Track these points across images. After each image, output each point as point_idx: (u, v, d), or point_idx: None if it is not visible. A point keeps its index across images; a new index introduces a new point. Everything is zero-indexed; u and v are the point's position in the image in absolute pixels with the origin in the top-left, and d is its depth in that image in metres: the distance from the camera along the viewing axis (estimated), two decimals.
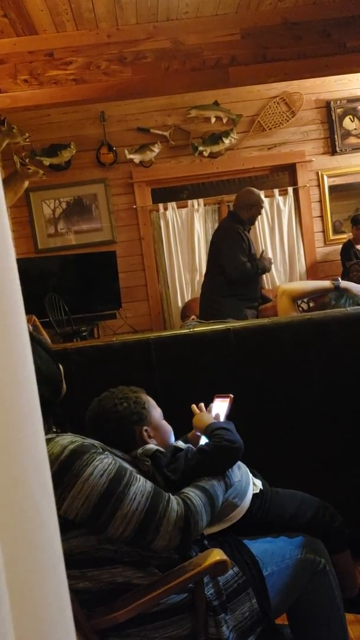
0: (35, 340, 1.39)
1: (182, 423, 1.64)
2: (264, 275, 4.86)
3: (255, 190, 4.29)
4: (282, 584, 1.41)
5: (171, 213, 5.74)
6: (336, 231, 5.92)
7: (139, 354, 2.10)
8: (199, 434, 1.59)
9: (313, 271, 5.86)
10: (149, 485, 1.25)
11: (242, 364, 2.10)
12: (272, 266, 5.68)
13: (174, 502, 1.25)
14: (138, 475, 1.26)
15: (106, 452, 1.28)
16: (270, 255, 4.35)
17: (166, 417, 1.62)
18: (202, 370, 2.09)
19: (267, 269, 4.22)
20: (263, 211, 5.77)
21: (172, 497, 1.26)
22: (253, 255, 4.20)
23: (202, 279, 4.52)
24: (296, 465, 2.13)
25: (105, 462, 1.22)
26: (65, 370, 1.61)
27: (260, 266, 4.13)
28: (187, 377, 2.08)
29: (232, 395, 1.64)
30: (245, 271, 4.04)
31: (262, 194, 4.26)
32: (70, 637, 0.59)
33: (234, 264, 4.03)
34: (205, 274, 4.39)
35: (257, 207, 4.20)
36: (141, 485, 1.24)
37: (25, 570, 0.55)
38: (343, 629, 1.51)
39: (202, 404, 1.66)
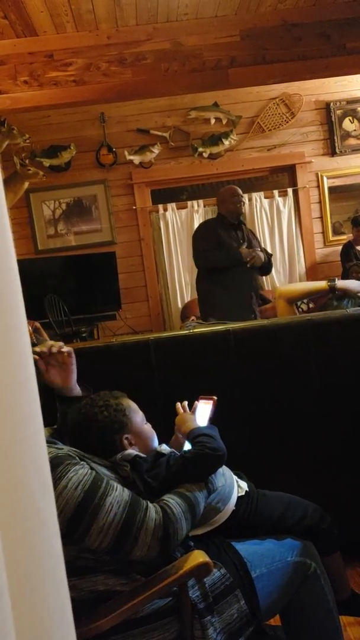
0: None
1: None
2: (262, 276, 4.81)
3: (229, 186, 4.35)
4: (273, 586, 1.40)
5: (171, 214, 5.75)
6: (336, 232, 5.92)
7: (138, 355, 2.10)
8: (180, 435, 1.58)
9: (313, 272, 5.86)
10: (126, 494, 1.24)
11: (242, 365, 2.10)
12: (273, 268, 5.70)
13: (152, 510, 1.23)
14: (115, 484, 1.25)
15: (82, 462, 1.26)
16: (257, 249, 4.18)
17: (165, 418, 1.61)
18: (202, 371, 2.09)
19: (241, 258, 4.01)
20: (262, 212, 5.79)
21: (150, 505, 1.25)
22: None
23: None
24: (295, 466, 2.13)
25: (80, 473, 1.21)
26: None
27: (232, 254, 4.01)
28: (187, 378, 2.08)
29: (215, 398, 1.62)
30: (208, 258, 4.05)
31: (238, 188, 4.20)
32: (70, 637, 0.59)
33: (196, 253, 4.14)
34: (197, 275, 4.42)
35: (230, 198, 4.17)
36: (118, 494, 1.22)
37: (26, 570, 0.55)
38: (337, 632, 1.50)
39: (186, 403, 1.64)
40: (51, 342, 1.57)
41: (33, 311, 4.16)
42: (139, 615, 1.22)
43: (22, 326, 0.56)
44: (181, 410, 1.62)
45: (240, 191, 4.20)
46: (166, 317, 5.85)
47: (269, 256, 4.24)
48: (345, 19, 4.12)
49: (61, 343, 1.59)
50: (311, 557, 1.49)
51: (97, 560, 1.21)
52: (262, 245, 4.40)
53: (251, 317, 3.97)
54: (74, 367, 1.60)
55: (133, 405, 1.51)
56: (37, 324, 3.66)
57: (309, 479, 2.11)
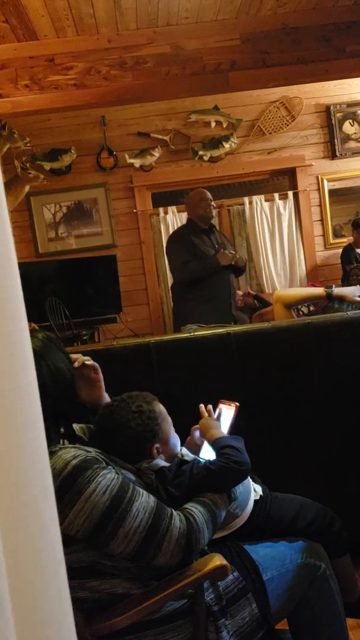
0: (56, 342, 1.37)
1: (183, 427, 1.64)
2: (255, 279, 4.77)
3: (197, 189, 4.24)
4: (283, 588, 1.41)
5: (171, 217, 5.75)
6: (336, 235, 5.92)
7: (139, 358, 2.10)
8: (201, 438, 1.57)
9: (313, 275, 5.86)
10: (151, 500, 1.24)
11: (243, 368, 2.10)
12: (273, 269, 5.69)
13: (177, 518, 1.23)
14: (141, 490, 1.25)
15: (109, 467, 1.26)
16: (232, 251, 4.09)
17: None
18: (203, 374, 2.10)
19: (219, 265, 3.91)
20: (263, 215, 5.80)
21: (174, 513, 1.25)
22: (220, 251, 4.04)
23: None
24: (297, 469, 2.13)
25: (108, 477, 1.21)
26: None
27: (209, 263, 3.90)
28: (188, 381, 2.08)
29: (237, 404, 1.60)
30: (185, 271, 3.92)
31: (207, 192, 4.11)
32: None
33: (174, 267, 4.01)
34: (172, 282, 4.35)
35: (199, 203, 4.07)
36: (144, 500, 1.22)
37: (27, 575, 0.55)
38: (344, 634, 1.51)
39: (210, 407, 1.63)
40: (75, 356, 1.54)
41: (34, 314, 4.15)
42: (154, 616, 1.23)
43: (23, 331, 0.56)
44: (206, 414, 1.61)
45: (209, 195, 4.10)
46: (167, 320, 5.85)
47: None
48: (345, 22, 4.13)
49: (86, 358, 1.56)
50: (320, 558, 1.50)
51: (116, 567, 1.22)
52: (234, 248, 4.28)
53: (230, 324, 3.83)
54: (101, 382, 1.58)
55: (164, 411, 1.49)
56: (34, 325, 3.66)
57: (313, 480, 2.11)
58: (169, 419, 1.50)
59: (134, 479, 1.32)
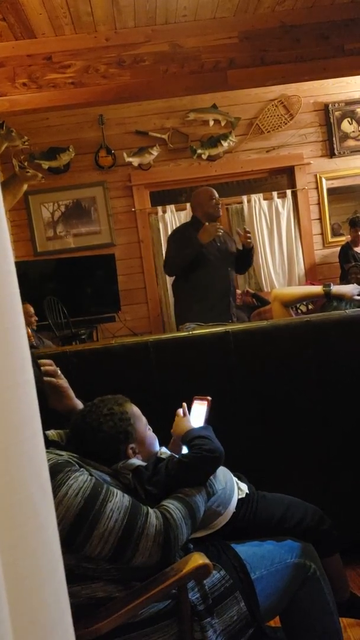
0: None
1: None
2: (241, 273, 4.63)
3: (204, 188, 4.18)
4: (272, 588, 1.40)
5: (170, 216, 5.75)
6: (335, 234, 5.92)
7: (138, 357, 2.10)
8: (176, 438, 1.57)
9: (312, 274, 5.86)
10: (126, 499, 1.23)
11: (241, 366, 2.10)
12: (271, 268, 5.69)
13: (153, 516, 1.23)
14: (115, 490, 1.24)
15: (82, 469, 1.25)
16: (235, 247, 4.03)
17: (165, 420, 1.61)
18: (201, 373, 2.09)
19: (199, 242, 3.75)
20: (262, 213, 5.80)
21: (150, 511, 1.24)
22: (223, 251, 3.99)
23: None
24: (295, 466, 2.13)
25: (80, 480, 1.20)
26: (64, 373, 1.61)
27: (191, 247, 3.76)
28: (186, 379, 2.08)
29: (210, 398, 1.60)
30: (169, 263, 3.88)
31: (215, 191, 4.03)
32: (69, 639, 0.59)
33: (165, 259, 3.96)
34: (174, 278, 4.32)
35: (209, 201, 3.99)
36: (118, 500, 1.21)
37: (24, 573, 0.54)
38: (337, 633, 1.50)
39: (185, 405, 1.63)
40: (43, 361, 1.52)
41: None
42: (138, 618, 1.22)
43: (19, 328, 0.55)
44: (180, 414, 1.61)
45: (217, 194, 4.05)
46: (165, 319, 5.85)
47: (241, 251, 4.07)
48: (343, 20, 4.13)
49: (47, 362, 1.53)
50: (311, 558, 1.49)
51: (96, 570, 1.21)
52: (237, 247, 4.23)
53: (229, 323, 3.69)
54: (67, 390, 1.55)
55: (137, 412, 1.48)
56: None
57: (309, 479, 2.11)
58: (144, 419, 1.50)
59: (110, 480, 1.31)
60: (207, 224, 3.82)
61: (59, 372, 1.56)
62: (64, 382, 1.55)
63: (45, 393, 1.37)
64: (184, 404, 1.63)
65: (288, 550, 1.47)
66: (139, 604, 1.17)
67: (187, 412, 1.61)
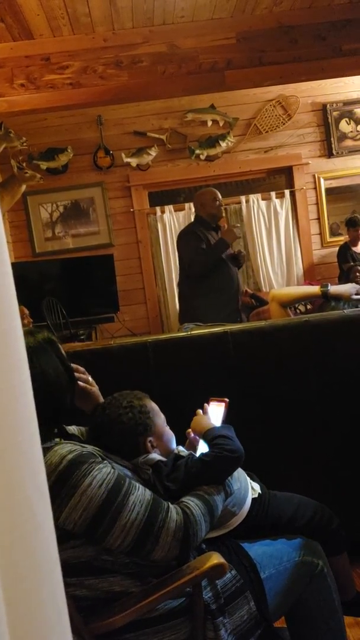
0: (54, 347, 1.36)
1: (181, 426, 1.64)
2: (255, 277, 4.74)
3: (208, 189, 4.25)
4: (280, 586, 1.41)
5: (168, 216, 5.75)
6: (333, 233, 5.93)
7: (136, 357, 2.10)
8: (196, 436, 1.58)
9: (310, 273, 5.87)
10: (148, 494, 1.24)
11: (240, 366, 2.10)
12: (270, 268, 5.70)
13: (173, 511, 1.23)
14: (137, 484, 1.25)
15: (105, 461, 1.26)
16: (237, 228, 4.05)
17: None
18: (200, 373, 2.10)
19: (225, 243, 3.91)
20: (260, 213, 5.80)
21: (171, 506, 1.25)
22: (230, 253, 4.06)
23: None
24: (295, 467, 2.13)
25: (104, 471, 1.21)
26: None
27: (217, 245, 3.89)
28: (185, 379, 2.08)
29: (227, 400, 1.62)
30: (201, 262, 3.89)
31: (218, 193, 4.12)
32: None
33: (189, 260, 3.94)
34: (179, 278, 4.34)
35: (212, 202, 4.07)
36: (140, 494, 1.22)
37: (22, 574, 0.55)
38: (342, 632, 1.51)
39: (206, 405, 1.65)
40: (75, 366, 1.54)
41: (31, 314, 4.17)
42: (152, 614, 1.23)
43: (16, 329, 0.56)
44: (200, 413, 1.62)
45: (219, 195, 4.11)
46: (164, 319, 5.85)
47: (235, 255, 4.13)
48: (341, 20, 4.13)
49: (80, 370, 1.55)
50: (318, 556, 1.50)
51: (115, 562, 1.21)
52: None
53: (237, 321, 3.77)
54: (94, 392, 1.57)
55: (155, 407, 1.51)
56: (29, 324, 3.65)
57: (311, 479, 2.11)
58: (162, 415, 1.52)
59: (130, 474, 1.33)
60: (226, 225, 3.96)
61: (90, 378, 1.58)
62: (95, 389, 1.58)
63: (67, 393, 1.38)
64: (205, 405, 1.64)
65: (296, 549, 1.48)
66: (154, 600, 1.18)
67: (207, 411, 1.62)
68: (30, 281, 5.20)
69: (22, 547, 0.55)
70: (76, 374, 1.51)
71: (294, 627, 1.51)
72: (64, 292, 5.21)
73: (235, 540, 1.49)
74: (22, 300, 0.57)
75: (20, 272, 5.08)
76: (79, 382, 1.51)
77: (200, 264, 3.90)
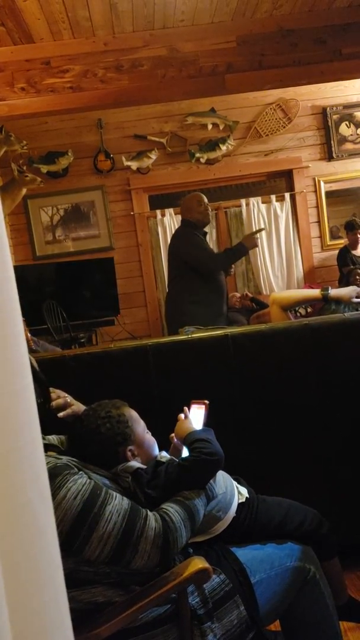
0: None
1: None
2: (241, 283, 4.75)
3: (193, 193, 4.22)
4: (272, 591, 1.40)
5: (169, 219, 5.76)
6: (333, 237, 5.93)
7: (137, 360, 2.10)
8: (178, 442, 1.57)
9: (311, 276, 5.87)
10: (125, 502, 1.23)
11: (240, 370, 2.10)
12: (270, 271, 5.70)
13: (152, 519, 1.22)
14: (114, 493, 1.24)
15: (80, 472, 1.25)
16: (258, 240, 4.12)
17: (164, 424, 1.61)
18: (200, 376, 2.09)
19: (245, 249, 3.96)
20: (260, 217, 5.81)
21: (149, 513, 1.24)
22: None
23: None
24: (294, 470, 2.13)
25: (79, 482, 1.20)
26: (64, 377, 1.61)
27: (237, 248, 3.94)
28: (186, 383, 2.08)
29: (207, 402, 1.61)
30: (218, 259, 3.92)
31: (204, 196, 4.08)
32: None
33: (202, 258, 3.90)
34: (168, 282, 4.29)
35: (197, 207, 4.01)
36: (117, 503, 1.21)
37: (24, 577, 0.55)
38: (336, 636, 1.50)
39: (186, 409, 1.64)
40: (56, 394, 1.52)
41: (31, 317, 4.18)
42: (137, 623, 1.22)
43: (19, 334, 0.56)
44: (182, 418, 1.62)
45: (206, 199, 4.06)
46: (164, 323, 5.84)
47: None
48: (341, 24, 4.14)
49: (59, 400, 1.53)
50: (310, 561, 1.49)
51: (96, 573, 1.20)
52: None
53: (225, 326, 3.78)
54: (75, 407, 1.54)
55: (134, 415, 1.49)
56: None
57: (309, 483, 2.10)
58: (142, 423, 1.51)
59: (109, 483, 1.31)
60: (249, 234, 3.98)
61: (69, 398, 1.55)
62: (75, 407, 1.54)
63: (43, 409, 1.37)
64: (185, 408, 1.63)
65: (288, 554, 1.47)
66: (138, 609, 1.17)
67: (188, 415, 1.62)
68: (30, 284, 5.20)
69: (24, 550, 0.55)
70: (54, 403, 1.49)
71: (289, 632, 1.50)
72: (64, 295, 5.22)
73: (225, 545, 1.48)
74: (22, 303, 0.57)
75: (21, 275, 5.08)
76: (59, 414, 1.49)
77: (216, 262, 3.90)
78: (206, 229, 4.13)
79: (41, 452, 0.59)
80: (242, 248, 3.94)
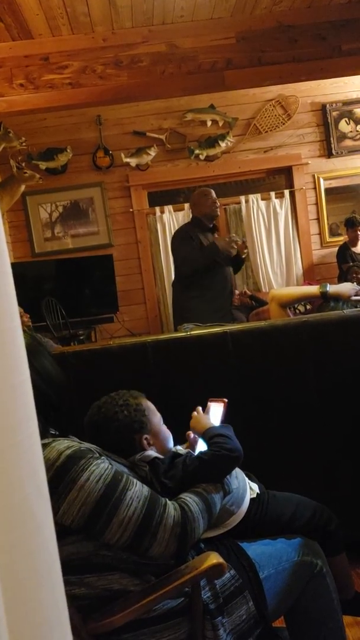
0: (43, 345, 1.38)
1: (180, 426, 1.64)
2: (251, 280, 4.76)
3: (201, 188, 4.29)
4: (280, 586, 1.41)
5: (168, 216, 5.75)
6: (333, 234, 5.93)
7: (136, 358, 2.10)
8: (196, 437, 1.58)
9: (310, 273, 5.87)
10: (145, 490, 1.24)
11: (240, 367, 2.10)
12: (269, 268, 5.70)
13: (171, 507, 1.24)
14: (135, 480, 1.25)
15: (103, 457, 1.27)
16: (233, 238, 4.03)
17: (164, 421, 1.61)
18: (200, 373, 2.09)
19: (219, 251, 3.87)
20: (259, 214, 5.80)
21: (169, 502, 1.25)
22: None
23: None
24: (294, 467, 2.13)
25: (101, 467, 1.21)
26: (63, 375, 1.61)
27: (209, 249, 3.89)
28: (185, 380, 2.08)
29: (226, 400, 1.64)
30: (187, 262, 3.91)
31: (212, 191, 4.13)
32: None
33: (177, 262, 4.00)
34: (173, 279, 4.38)
35: (205, 201, 4.08)
36: (138, 490, 1.23)
37: (21, 574, 0.54)
38: (341, 631, 1.51)
39: (200, 408, 1.66)
40: None
41: (30, 314, 4.17)
42: (150, 614, 1.23)
43: (16, 329, 0.55)
44: (200, 411, 1.63)
45: (214, 194, 4.11)
46: (163, 320, 5.85)
47: (236, 256, 4.12)
48: (340, 20, 4.13)
49: None
50: (317, 556, 1.50)
51: (114, 558, 1.21)
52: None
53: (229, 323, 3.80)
54: None
55: (151, 406, 1.53)
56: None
57: (309, 479, 2.11)
58: (158, 414, 1.54)
59: (128, 471, 1.33)
60: (226, 238, 3.95)
61: None
62: None
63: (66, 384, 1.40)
64: (199, 407, 1.64)
65: (295, 548, 1.48)
66: (152, 600, 1.18)
67: (201, 411, 1.63)
68: (29, 281, 5.20)
69: (21, 547, 0.55)
70: None
71: (293, 627, 1.51)
72: (63, 293, 5.21)
73: (235, 540, 1.49)
74: (21, 300, 0.57)
75: (19, 272, 5.07)
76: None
77: (192, 263, 3.90)
78: (214, 223, 4.17)
79: (39, 447, 0.58)
80: (213, 247, 3.90)
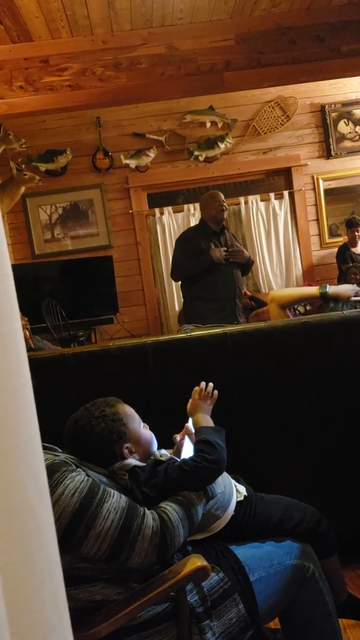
0: None
1: (179, 426, 1.64)
2: (256, 280, 4.77)
3: (211, 191, 4.34)
4: (271, 589, 1.40)
5: (167, 218, 5.75)
6: (332, 234, 5.93)
7: (136, 359, 2.10)
8: (182, 440, 1.58)
9: (309, 274, 5.87)
10: (123, 500, 1.23)
11: (239, 368, 2.10)
12: (269, 269, 5.70)
13: (150, 517, 1.22)
14: (112, 491, 1.24)
15: (79, 469, 1.25)
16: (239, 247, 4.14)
17: (163, 421, 1.61)
18: (200, 374, 2.09)
19: (212, 261, 3.92)
20: (259, 215, 5.80)
21: (147, 512, 1.24)
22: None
23: None
24: (294, 467, 2.13)
25: (76, 479, 1.20)
26: (63, 376, 1.61)
27: (202, 260, 3.94)
28: (185, 381, 2.07)
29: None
30: (178, 268, 4.05)
31: (221, 194, 4.18)
32: None
33: (173, 264, 4.14)
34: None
35: (212, 203, 4.12)
36: (115, 501, 1.21)
37: (23, 576, 0.55)
38: (336, 634, 1.50)
39: (203, 384, 1.65)
40: None
41: (30, 316, 4.17)
42: (136, 621, 1.22)
43: (17, 332, 0.56)
44: (196, 394, 1.61)
45: (222, 196, 4.13)
46: (163, 321, 5.85)
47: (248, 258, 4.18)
48: (339, 22, 4.14)
49: None
50: (309, 559, 1.49)
51: (94, 569, 1.20)
52: (247, 251, 4.33)
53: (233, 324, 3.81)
54: None
55: (129, 411, 1.49)
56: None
57: (308, 480, 2.11)
58: (137, 417, 1.50)
59: (107, 481, 1.31)
60: (216, 250, 3.97)
61: None
62: None
63: None
64: (208, 384, 1.64)
65: (287, 552, 1.47)
66: (137, 607, 1.17)
67: (205, 392, 1.63)
68: (29, 283, 5.20)
69: (22, 548, 0.55)
70: None
71: (288, 630, 1.50)
72: (63, 294, 5.21)
73: (224, 543, 1.48)
74: (21, 302, 0.57)
75: (19, 274, 5.07)
76: None
77: (182, 270, 4.03)
78: (223, 225, 4.21)
79: (39, 449, 0.59)
80: (206, 259, 3.94)
